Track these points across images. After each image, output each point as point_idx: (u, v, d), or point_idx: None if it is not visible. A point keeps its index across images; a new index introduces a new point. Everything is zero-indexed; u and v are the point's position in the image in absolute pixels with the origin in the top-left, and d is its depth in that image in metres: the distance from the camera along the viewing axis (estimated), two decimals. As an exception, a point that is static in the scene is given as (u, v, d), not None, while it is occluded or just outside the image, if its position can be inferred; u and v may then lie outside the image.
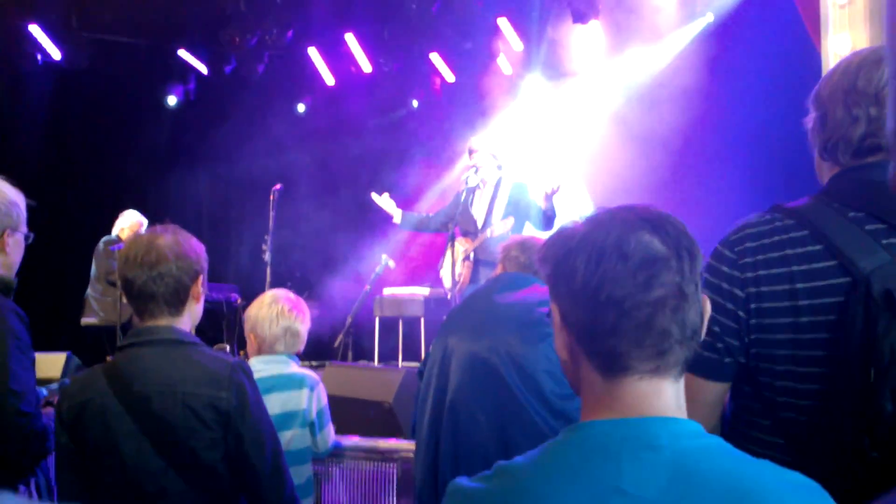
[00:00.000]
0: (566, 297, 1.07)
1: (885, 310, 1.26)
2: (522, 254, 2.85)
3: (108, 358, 6.54)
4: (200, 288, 2.05)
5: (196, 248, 2.04)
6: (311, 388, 2.97)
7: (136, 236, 2.05)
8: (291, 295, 3.06)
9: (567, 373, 1.12)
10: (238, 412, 1.91)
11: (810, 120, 1.55)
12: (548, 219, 5.13)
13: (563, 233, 1.10)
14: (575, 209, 7.83)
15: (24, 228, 2.46)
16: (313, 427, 3.00)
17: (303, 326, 2.99)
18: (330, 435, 3.09)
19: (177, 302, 1.98)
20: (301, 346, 3.03)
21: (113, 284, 6.77)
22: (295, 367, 3.00)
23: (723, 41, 7.01)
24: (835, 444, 1.33)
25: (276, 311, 2.94)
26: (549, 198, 5.04)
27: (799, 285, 1.40)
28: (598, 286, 1.02)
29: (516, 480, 1.01)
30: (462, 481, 1.08)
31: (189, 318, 2.04)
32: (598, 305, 1.02)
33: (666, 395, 1.03)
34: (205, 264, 2.06)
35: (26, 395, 2.22)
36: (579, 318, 1.05)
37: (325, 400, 3.05)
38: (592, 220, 1.08)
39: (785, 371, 1.42)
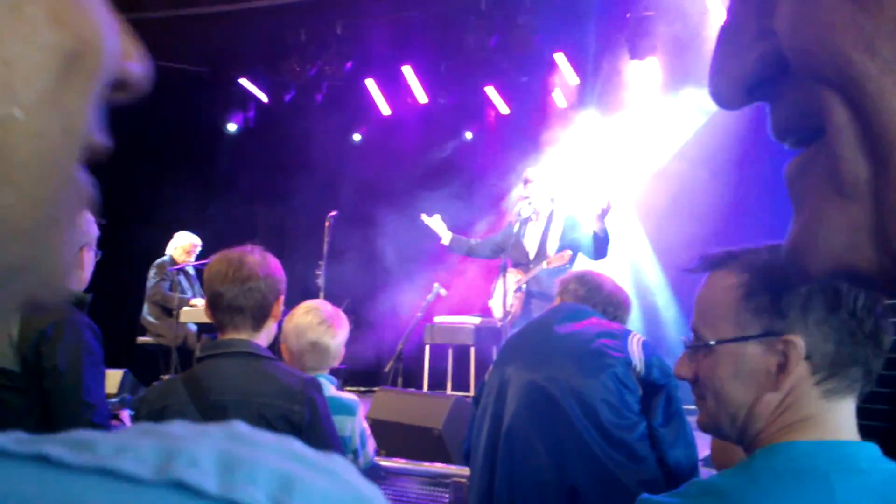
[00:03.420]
0: (817, 329, 1.06)
1: None
2: (581, 287, 2.87)
3: (163, 376, 6.64)
4: (280, 308, 2.13)
5: (279, 269, 2.13)
6: (354, 414, 2.86)
7: (226, 253, 2.13)
8: (329, 307, 2.87)
9: (754, 413, 1.10)
10: (310, 426, 1.96)
11: None
12: (600, 243, 5.12)
13: (782, 266, 1.09)
14: (627, 237, 7.81)
15: (95, 246, 2.57)
16: (356, 453, 2.91)
17: (334, 341, 2.77)
18: (371, 450, 3.00)
19: (261, 317, 2.06)
20: (333, 361, 2.83)
21: (158, 305, 6.87)
22: (334, 391, 2.87)
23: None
24: None
25: (306, 323, 2.73)
26: (601, 218, 5.04)
27: None
28: (863, 316, 1.04)
29: (724, 498, 1.02)
30: (652, 497, 1.08)
31: (266, 336, 2.12)
32: (857, 336, 1.04)
33: (853, 418, 1.08)
34: (284, 287, 2.14)
35: (98, 408, 2.30)
36: (830, 352, 1.05)
37: (363, 420, 2.97)
38: None
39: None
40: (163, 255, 7.15)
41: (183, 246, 7.07)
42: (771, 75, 0.32)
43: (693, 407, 1.20)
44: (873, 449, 1.04)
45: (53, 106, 0.32)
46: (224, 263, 2.07)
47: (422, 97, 9.04)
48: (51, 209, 0.33)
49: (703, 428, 1.19)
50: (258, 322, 2.07)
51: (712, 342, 1.12)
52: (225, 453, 0.29)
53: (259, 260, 2.08)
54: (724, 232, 6.52)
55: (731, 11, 0.34)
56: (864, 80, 0.29)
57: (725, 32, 0.34)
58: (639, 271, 8.01)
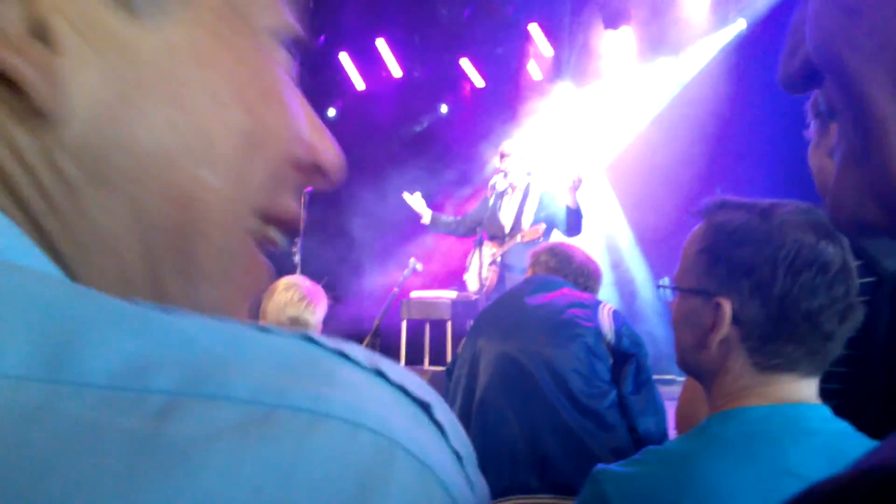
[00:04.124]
0: (750, 298, 1.07)
1: None
2: (552, 258, 2.89)
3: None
4: None
5: None
6: None
7: None
8: (308, 282, 2.85)
9: (700, 361, 1.14)
10: None
11: (813, 131, 1.56)
12: (573, 217, 5.13)
13: (744, 230, 1.10)
14: (600, 212, 7.83)
15: None
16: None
17: (313, 317, 2.75)
18: None
19: None
20: None
21: None
22: None
23: (755, 48, 6.98)
24: None
25: (286, 300, 2.72)
26: (573, 191, 5.05)
27: None
28: (797, 298, 1.04)
29: (678, 464, 1.04)
30: (608, 466, 1.10)
31: None
32: (791, 316, 1.04)
33: (813, 386, 1.09)
34: None
35: None
36: (761, 322, 1.07)
37: None
38: (776, 221, 1.09)
39: None
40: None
41: None
42: (812, 71, 0.39)
43: (664, 377, 1.21)
44: (824, 410, 1.06)
45: (237, 174, 0.39)
46: None
47: (396, 71, 8.96)
48: (226, 259, 0.41)
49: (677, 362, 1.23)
50: None
51: (670, 286, 1.19)
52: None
53: None
54: (699, 198, 6.53)
55: (792, 18, 0.42)
56: (851, 70, 0.36)
57: (789, 35, 0.41)
58: (613, 238, 8.05)
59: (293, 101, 0.44)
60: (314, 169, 0.46)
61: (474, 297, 5.66)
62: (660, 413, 2.58)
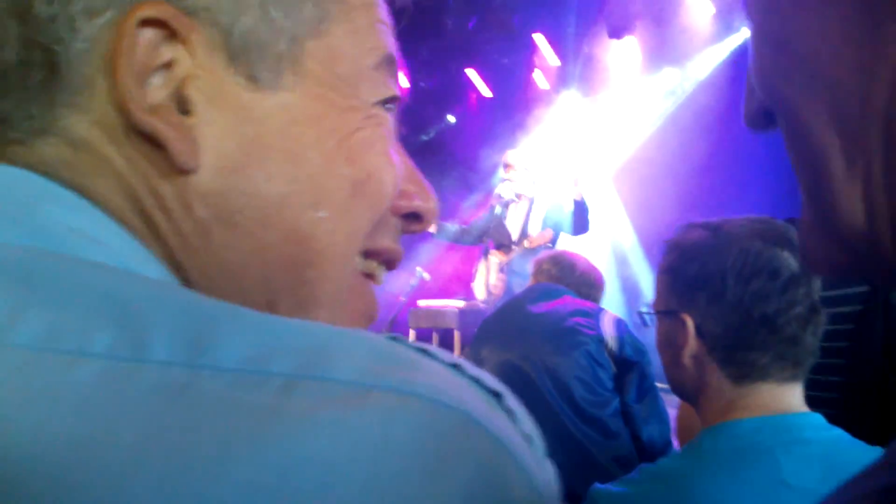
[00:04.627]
0: (707, 311, 1.10)
1: None
2: (554, 267, 2.90)
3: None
4: None
5: None
6: None
7: None
8: None
9: (683, 380, 1.15)
10: None
11: None
12: (580, 212, 5.14)
13: (695, 246, 1.13)
14: (607, 218, 7.85)
15: None
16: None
17: None
18: None
19: None
20: None
21: None
22: None
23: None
24: None
25: None
26: (576, 185, 5.07)
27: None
28: (750, 304, 1.05)
29: (672, 482, 1.05)
30: (604, 486, 1.11)
31: None
32: (747, 322, 1.06)
33: (796, 393, 1.09)
34: None
35: None
36: (721, 332, 1.08)
37: None
38: (724, 233, 1.11)
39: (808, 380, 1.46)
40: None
41: None
42: (767, 109, 0.40)
43: (666, 385, 1.24)
44: (816, 418, 1.07)
45: (346, 217, 0.47)
46: None
47: (403, 82, 8.98)
48: (336, 289, 0.48)
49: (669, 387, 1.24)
50: None
51: (648, 310, 1.22)
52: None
53: None
54: (703, 206, 6.55)
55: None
56: (790, 103, 0.36)
57: (747, 75, 0.42)
58: (618, 245, 8.06)
59: (395, 156, 0.51)
60: (412, 215, 0.54)
61: (482, 305, 5.67)
62: (664, 421, 2.59)
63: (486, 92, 9.06)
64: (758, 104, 0.41)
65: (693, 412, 1.62)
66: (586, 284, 2.87)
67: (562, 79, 8.32)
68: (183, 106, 0.42)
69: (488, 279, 5.44)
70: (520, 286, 5.22)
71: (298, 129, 0.45)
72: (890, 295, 1.31)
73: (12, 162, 0.41)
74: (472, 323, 6.34)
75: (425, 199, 0.54)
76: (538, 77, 8.57)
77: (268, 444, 0.28)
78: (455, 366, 0.35)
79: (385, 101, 0.51)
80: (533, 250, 5.11)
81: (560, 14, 7.74)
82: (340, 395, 0.31)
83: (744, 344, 1.07)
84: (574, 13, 7.77)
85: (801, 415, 1.07)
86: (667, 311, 1.15)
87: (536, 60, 8.43)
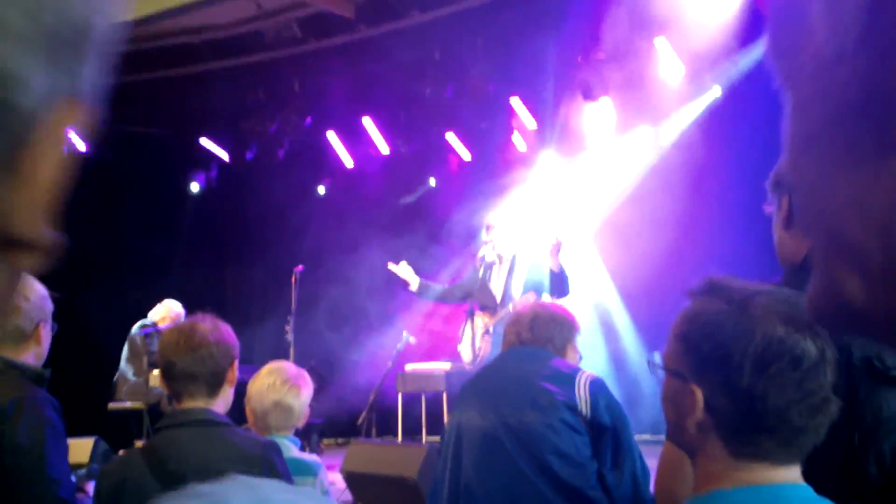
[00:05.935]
0: (719, 389, 1.07)
1: (867, 377, 1.31)
2: (522, 329, 2.84)
3: (137, 442, 6.56)
4: (234, 373, 2.17)
5: (231, 335, 2.18)
6: (317, 475, 2.84)
7: (179, 323, 2.18)
8: (293, 367, 2.89)
9: (683, 437, 1.14)
10: None
11: (772, 205, 1.62)
12: (558, 280, 5.17)
13: (715, 322, 1.09)
14: (588, 277, 7.91)
15: (50, 321, 2.59)
16: (321, 512, 2.84)
17: (297, 401, 2.78)
18: None
19: (215, 384, 2.10)
20: (298, 421, 2.83)
21: (153, 366, 6.81)
22: (296, 452, 2.84)
23: (731, 114, 7.18)
24: None
25: (268, 384, 2.75)
26: (554, 255, 5.13)
27: None
28: (763, 393, 1.03)
29: None
30: None
31: (223, 402, 2.16)
32: (759, 410, 1.04)
33: (793, 471, 1.08)
34: (237, 352, 2.19)
35: (63, 482, 2.30)
36: (730, 413, 1.07)
37: (327, 481, 2.96)
38: (748, 315, 1.07)
39: None
40: (136, 318, 7.12)
41: (169, 315, 7.01)
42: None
43: (648, 437, 1.24)
44: (805, 490, 1.06)
45: None
46: (175, 333, 2.12)
47: (384, 148, 9.14)
48: None
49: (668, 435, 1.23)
50: (213, 388, 2.11)
51: (658, 364, 1.19)
52: None
53: (210, 327, 2.13)
54: (681, 262, 6.66)
55: None
56: (799, 181, 0.40)
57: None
58: (601, 301, 8.11)
59: None
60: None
61: (469, 367, 5.68)
62: (639, 483, 2.56)
63: (466, 155, 9.20)
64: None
65: (672, 471, 1.63)
66: (558, 328, 2.82)
67: (539, 141, 8.47)
68: None
69: (474, 341, 5.46)
70: (506, 347, 5.25)
71: None
72: (852, 355, 1.34)
73: None
74: (460, 385, 6.34)
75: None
76: (516, 139, 8.71)
77: None
78: None
79: None
80: (517, 312, 5.15)
81: (535, 78, 7.92)
82: None
83: (751, 427, 1.05)
84: (549, 77, 7.95)
85: (791, 486, 1.06)
86: (677, 373, 1.14)
87: (514, 123, 8.58)
